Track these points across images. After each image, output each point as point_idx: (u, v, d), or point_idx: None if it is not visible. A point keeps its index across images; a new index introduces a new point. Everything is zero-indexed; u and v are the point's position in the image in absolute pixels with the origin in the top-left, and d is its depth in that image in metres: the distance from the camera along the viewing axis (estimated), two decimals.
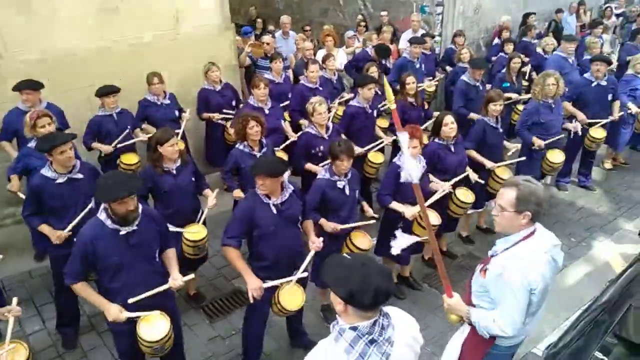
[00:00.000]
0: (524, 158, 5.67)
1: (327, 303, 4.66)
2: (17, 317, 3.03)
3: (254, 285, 3.50)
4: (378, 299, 1.86)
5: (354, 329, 1.92)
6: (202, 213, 4.36)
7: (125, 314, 3.14)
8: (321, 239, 3.77)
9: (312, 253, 3.72)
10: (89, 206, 3.86)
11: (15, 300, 3.11)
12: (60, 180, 3.80)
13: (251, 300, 3.52)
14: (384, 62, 7.47)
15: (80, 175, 3.88)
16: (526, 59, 8.05)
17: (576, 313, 4.01)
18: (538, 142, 5.61)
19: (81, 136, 5.25)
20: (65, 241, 3.83)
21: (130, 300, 3.15)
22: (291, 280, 3.63)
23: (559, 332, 3.93)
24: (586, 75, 6.49)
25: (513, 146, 5.63)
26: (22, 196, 4.24)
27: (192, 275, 3.63)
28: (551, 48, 8.25)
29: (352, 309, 1.90)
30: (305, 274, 3.72)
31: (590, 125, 6.30)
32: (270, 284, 3.58)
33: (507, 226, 2.63)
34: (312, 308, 4.65)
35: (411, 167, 2.64)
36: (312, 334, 4.34)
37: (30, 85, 4.89)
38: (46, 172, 3.80)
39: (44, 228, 3.88)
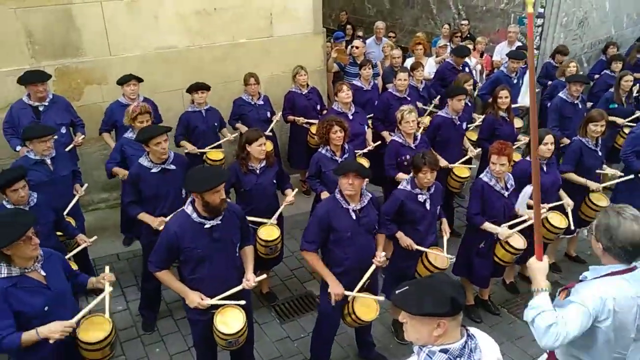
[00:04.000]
0: (622, 179, 5.10)
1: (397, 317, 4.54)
2: (111, 281, 3.19)
3: (337, 291, 3.53)
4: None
5: (445, 351, 1.84)
6: (279, 209, 4.41)
7: (206, 301, 3.23)
8: (384, 253, 3.71)
9: (372, 268, 3.63)
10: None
11: (107, 268, 3.28)
12: (154, 170, 4.01)
13: (333, 303, 3.53)
14: (464, 65, 7.20)
15: (173, 167, 4.07)
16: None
17: None
18: None
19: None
20: (156, 230, 3.98)
21: (207, 302, 3.23)
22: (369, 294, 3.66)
23: None
24: None
25: (611, 172, 5.09)
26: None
27: (264, 276, 3.68)
28: None
29: (449, 322, 1.82)
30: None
31: None
32: (348, 293, 3.58)
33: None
34: (381, 320, 4.54)
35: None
36: (380, 347, 4.25)
37: (136, 77, 5.22)
38: (143, 161, 4.04)
39: (144, 216, 4.08)
